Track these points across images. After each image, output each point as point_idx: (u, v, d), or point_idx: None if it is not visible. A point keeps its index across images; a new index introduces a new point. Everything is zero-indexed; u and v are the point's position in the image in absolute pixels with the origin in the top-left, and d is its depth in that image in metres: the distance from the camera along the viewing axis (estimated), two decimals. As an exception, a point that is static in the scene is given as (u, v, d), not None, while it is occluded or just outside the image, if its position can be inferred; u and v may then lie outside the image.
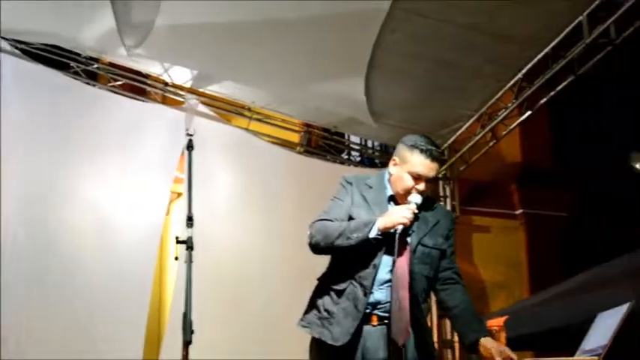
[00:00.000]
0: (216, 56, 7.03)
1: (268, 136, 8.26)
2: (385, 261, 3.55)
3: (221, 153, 7.71)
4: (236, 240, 7.46)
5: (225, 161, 7.74)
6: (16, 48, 6.86)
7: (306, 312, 3.71)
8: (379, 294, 3.54)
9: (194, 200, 3.86)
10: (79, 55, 7.24)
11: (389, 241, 3.53)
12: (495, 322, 3.92)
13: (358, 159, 9.70)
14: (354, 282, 3.55)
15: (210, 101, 7.83)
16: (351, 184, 3.79)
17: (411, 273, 3.53)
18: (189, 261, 3.56)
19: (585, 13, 6.30)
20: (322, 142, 8.71)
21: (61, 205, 6.79)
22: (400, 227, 3.47)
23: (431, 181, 3.71)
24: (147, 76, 7.65)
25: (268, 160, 8.00)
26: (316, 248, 3.71)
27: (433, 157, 3.61)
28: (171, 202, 7.86)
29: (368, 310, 3.52)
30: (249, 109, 8.00)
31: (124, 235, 7.02)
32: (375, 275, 3.53)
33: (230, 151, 7.82)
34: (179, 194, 8.05)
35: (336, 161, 8.75)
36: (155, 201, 7.21)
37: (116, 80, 7.53)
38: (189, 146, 4.05)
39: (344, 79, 7.22)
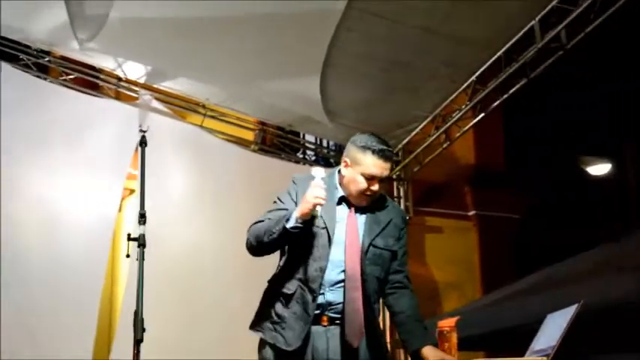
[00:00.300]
0: (171, 52, 6.98)
1: (223, 133, 8.22)
2: (336, 262, 3.50)
3: (175, 150, 7.66)
4: (189, 237, 7.42)
5: (178, 158, 7.70)
6: (-38, 39, 6.73)
7: (258, 316, 3.67)
8: (331, 295, 3.50)
9: (147, 197, 3.82)
10: (29, 47, 7.12)
11: (327, 234, 3.51)
12: (447, 323, 3.90)
13: (313, 158, 9.70)
14: (302, 285, 3.51)
15: (165, 97, 7.77)
16: (295, 183, 3.72)
17: (363, 274, 3.51)
18: (141, 258, 3.51)
19: (537, 19, 6.37)
20: (277, 141, 8.70)
21: (6, 200, 6.67)
22: (319, 209, 3.39)
23: (384, 181, 3.68)
24: (100, 70, 7.55)
25: (222, 158, 7.97)
26: (251, 249, 3.67)
27: (386, 157, 3.54)
28: (123, 198, 7.77)
29: (318, 312, 3.49)
30: (203, 106, 7.96)
31: (74, 232, 6.93)
32: (323, 277, 3.48)
33: (184, 148, 7.77)
34: (132, 191, 7.97)
35: (291, 160, 8.75)
36: (107, 197, 7.13)
37: (68, 74, 7.42)
38: (142, 142, 4.00)
39: (299, 77, 7.21)
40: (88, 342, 6.70)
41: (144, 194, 3.83)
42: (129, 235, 3.54)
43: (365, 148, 3.54)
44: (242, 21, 6.40)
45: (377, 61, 7.03)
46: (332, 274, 3.50)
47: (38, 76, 7.23)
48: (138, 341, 3.36)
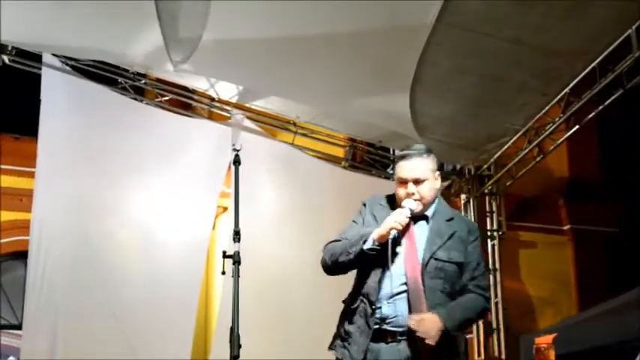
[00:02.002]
0: (261, 71, 7.07)
1: (313, 150, 8.28)
2: (395, 275, 3.50)
3: (266, 168, 7.74)
4: (282, 254, 7.48)
5: (270, 176, 7.78)
6: (67, 64, 6.99)
7: (333, 336, 3.75)
8: (387, 308, 3.50)
9: (240, 215, 3.87)
10: (126, 70, 7.35)
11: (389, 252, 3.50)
12: (544, 340, 3.83)
13: (403, 174, 9.66)
14: (363, 299, 3.56)
15: (256, 116, 7.88)
16: (365, 205, 3.80)
17: (424, 287, 3.49)
18: (236, 275, 3.56)
19: (634, 27, 6.21)
20: (367, 157, 8.71)
21: (105, 218, 6.90)
22: (394, 232, 3.43)
23: (421, 182, 3.64)
24: (193, 91, 7.73)
25: (313, 175, 8.02)
26: (325, 268, 3.74)
27: (410, 157, 3.63)
28: (217, 216, 7.91)
29: (377, 326, 3.50)
30: (294, 124, 8.03)
31: (170, 250, 7.09)
32: (379, 289, 3.50)
33: (275, 165, 7.85)
34: (225, 209, 8.10)
35: (381, 176, 8.73)
36: (202, 215, 7.27)
37: (163, 96, 7.63)
38: (236, 161, 4.06)
39: (389, 93, 7.21)
40: (185, 357, 6.83)
41: (238, 212, 3.89)
42: (224, 252, 3.59)
43: (396, 158, 3.77)
44: (331, 39, 6.45)
45: (467, 75, 6.97)
46: (387, 286, 3.50)
47: (135, 99, 7.45)
48: (235, 357, 3.41)
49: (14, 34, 6.57)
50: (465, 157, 8.56)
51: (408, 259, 3.54)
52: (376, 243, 3.46)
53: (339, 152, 8.71)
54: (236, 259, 3.58)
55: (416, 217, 3.63)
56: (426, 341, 3.38)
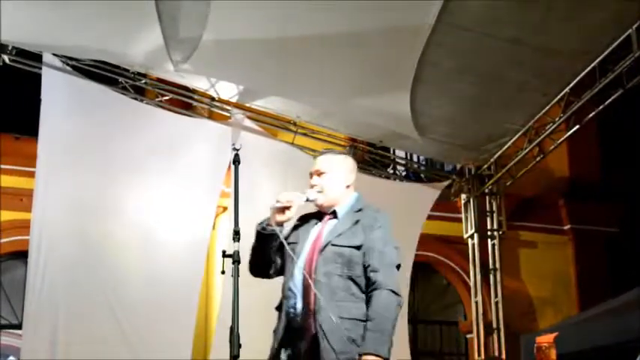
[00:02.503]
0: (262, 71, 7.07)
1: (313, 150, 8.27)
2: (299, 269, 3.63)
3: (267, 167, 7.74)
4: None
5: (270, 175, 7.77)
6: (67, 64, 7.00)
7: None
8: (299, 302, 3.62)
9: (240, 214, 3.88)
10: (127, 70, 7.36)
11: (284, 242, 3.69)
12: (545, 339, 3.83)
13: (404, 173, 9.68)
14: (282, 295, 3.71)
15: (256, 116, 7.88)
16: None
17: (315, 272, 3.55)
18: (236, 275, 3.56)
19: (634, 27, 6.21)
20: (368, 157, 8.71)
21: (106, 218, 6.90)
22: (289, 225, 3.65)
23: (322, 175, 3.79)
24: (194, 91, 7.73)
25: (314, 175, 8.01)
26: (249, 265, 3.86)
27: (320, 154, 3.95)
28: (217, 216, 7.91)
29: (292, 316, 3.63)
30: (294, 124, 8.03)
31: (170, 250, 7.09)
32: (289, 284, 3.64)
33: (275, 165, 7.85)
34: (225, 208, 8.11)
35: (382, 176, 8.73)
36: (202, 215, 7.27)
37: (163, 95, 7.64)
38: (236, 160, 4.06)
39: (389, 93, 7.21)
40: (185, 357, 6.83)
41: (237, 211, 3.89)
42: (223, 251, 3.58)
43: None
44: (332, 39, 6.45)
45: (467, 75, 6.98)
46: (294, 281, 3.63)
47: (135, 98, 7.45)
48: (234, 357, 3.40)
49: (14, 34, 6.57)
50: (465, 157, 8.57)
51: (309, 251, 3.65)
52: (265, 224, 3.69)
53: (340, 152, 8.70)
54: (236, 258, 3.58)
55: (327, 217, 3.78)
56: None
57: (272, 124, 8.06)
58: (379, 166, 8.73)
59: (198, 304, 7.30)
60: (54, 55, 6.93)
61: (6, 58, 7.02)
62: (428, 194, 8.56)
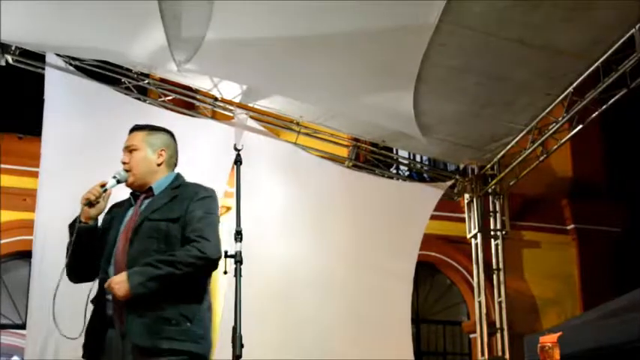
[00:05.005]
0: (265, 71, 7.07)
1: (317, 150, 8.28)
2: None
3: (270, 167, 7.74)
4: (285, 253, 7.49)
5: (273, 175, 7.78)
6: (70, 64, 7.01)
7: None
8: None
9: (243, 214, 3.88)
10: (130, 70, 7.36)
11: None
12: (549, 339, 3.83)
13: (407, 173, 9.68)
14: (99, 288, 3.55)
15: (259, 116, 7.88)
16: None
17: (129, 251, 3.43)
18: (239, 275, 3.56)
19: (638, 26, 6.20)
20: (370, 157, 8.70)
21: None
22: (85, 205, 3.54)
23: (134, 151, 3.71)
24: (197, 91, 7.73)
25: (317, 174, 8.02)
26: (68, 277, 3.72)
27: (131, 131, 3.78)
28: (220, 216, 7.90)
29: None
30: (297, 124, 8.03)
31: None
32: (106, 272, 3.49)
33: (279, 165, 7.85)
34: (228, 208, 8.10)
35: (385, 175, 8.73)
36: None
37: (166, 95, 7.64)
38: (238, 160, 4.08)
39: (392, 93, 7.20)
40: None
41: (240, 211, 3.90)
42: (226, 252, 3.58)
43: None
44: (334, 38, 6.45)
45: (470, 75, 6.97)
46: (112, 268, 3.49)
47: (138, 98, 7.45)
48: (237, 357, 3.41)
49: (17, 34, 6.57)
50: (468, 157, 8.56)
51: (123, 231, 3.53)
52: (80, 220, 3.53)
53: (343, 152, 8.71)
54: (238, 258, 3.58)
55: (143, 195, 3.67)
56: (113, 298, 3.35)
57: (275, 124, 8.06)
58: (382, 166, 8.72)
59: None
60: (57, 55, 6.94)
61: (9, 58, 7.03)
62: (431, 194, 8.55)
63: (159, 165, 3.71)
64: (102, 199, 3.58)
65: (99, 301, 3.49)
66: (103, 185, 3.60)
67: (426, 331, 11.41)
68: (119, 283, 3.28)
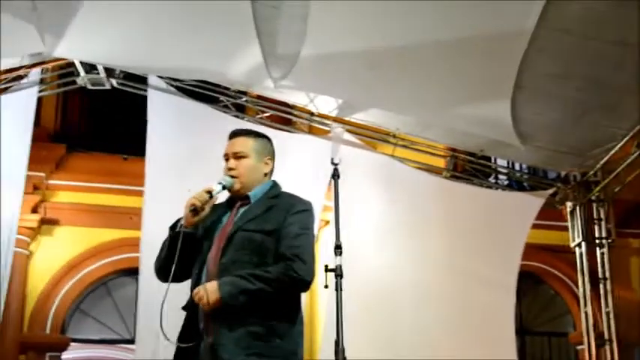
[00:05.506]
0: (360, 84, 7.09)
1: (414, 161, 8.24)
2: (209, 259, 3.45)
3: (367, 180, 7.76)
4: (385, 266, 7.48)
5: (370, 188, 7.79)
6: (171, 85, 7.21)
7: None
8: None
9: (342, 228, 3.90)
10: (227, 89, 7.51)
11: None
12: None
13: (506, 182, 9.53)
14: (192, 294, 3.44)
15: (356, 129, 7.90)
16: None
17: (221, 258, 3.37)
18: (339, 289, 3.57)
19: None
20: (468, 167, 8.61)
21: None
22: (190, 211, 3.42)
23: (242, 158, 3.62)
24: (293, 106, 7.82)
25: (414, 186, 7.99)
26: (155, 270, 3.68)
27: (231, 136, 3.68)
28: (319, 230, 7.96)
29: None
30: (394, 136, 8.01)
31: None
32: (198, 281, 3.41)
33: (375, 177, 7.86)
34: (327, 222, 8.15)
35: (483, 185, 8.62)
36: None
37: (264, 112, 7.76)
38: (335, 175, 4.10)
39: (489, 101, 7.10)
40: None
41: (339, 225, 3.91)
42: (326, 266, 3.59)
43: None
44: (429, 49, 6.41)
45: (570, 80, 6.80)
46: (203, 275, 3.42)
47: (236, 116, 7.60)
48: (340, 370, 3.42)
49: (120, 58, 6.81)
50: (569, 164, 8.35)
51: (217, 239, 3.46)
52: (183, 226, 3.42)
53: (440, 162, 8.65)
54: (338, 272, 3.59)
55: (238, 203, 3.58)
56: (201, 306, 3.27)
57: (371, 137, 8.07)
58: (481, 176, 8.61)
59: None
60: (158, 77, 7.15)
61: (114, 81, 7.29)
62: (532, 203, 8.39)
63: (265, 175, 3.68)
64: (207, 206, 3.49)
65: (191, 310, 3.42)
66: (209, 192, 3.51)
67: (530, 342, 11.21)
68: (210, 291, 3.25)
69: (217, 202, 3.61)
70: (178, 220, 3.52)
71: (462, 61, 6.60)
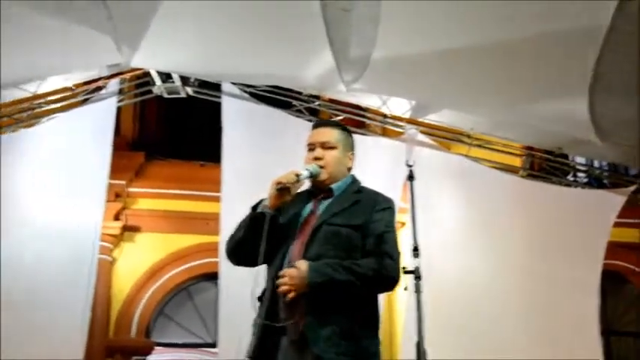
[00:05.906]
0: (433, 85, 7.04)
1: (489, 161, 8.15)
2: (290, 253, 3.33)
3: (442, 180, 7.72)
4: (463, 267, 7.42)
5: (446, 189, 7.74)
6: (245, 91, 7.31)
7: None
8: None
9: (419, 229, 3.89)
10: (300, 93, 7.57)
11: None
12: None
13: (585, 180, 9.34)
14: (268, 284, 3.35)
15: (429, 130, 7.86)
16: None
17: (306, 253, 3.25)
18: (419, 291, 3.58)
19: None
20: (546, 165, 8.47)
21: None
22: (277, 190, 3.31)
23: (331, 148, 3.54)
24: (366, 109, 7.83)
25: (490, 186, 7.90)
26: (227, 252, 3.55)
27: (317, 125, 3.63)
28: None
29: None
30: (468, 136, 7.95)
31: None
32: (279, 270, 3.27)
33: (451, 178, 7.81)
34: (403, 224, 8.12)
35: (562, 184, 8.46)
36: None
37: (337, 115, 7.78)
38: (411, 177, 4.10)
39: (566, 98, 6.97)
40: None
41: (416, 227, 3.91)
42: (404, 268, 3.60)
43: None
44: (503, 47, 6.33)
45: (649, 74, 6.63)
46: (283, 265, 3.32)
47: (310, 120, 7.64)
48: (421, 372, 3.42)
49: (194, 66, 6.92)
50: (651, 160, 8.15)
51: (301, 232, 3.35)
52: (268, 207, 3.33)
53: (516, 162, 8.53)
54: (417, 274, 3.60)
55: (321, 195, 3.49)
56: (282, 288, 3.15)
57: (446, 137, 8.02)
58: (559, 174, 8.46)
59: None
60: (232, 83, 7.25)
61: (189, 90, 7.43)
62: (613, 200, 8.21)
63: (349, 169, 3.64)
64: (293, 189, 3.38)
65: (271, 302, 3.27)
66: (297, 174, 3.40)
67: (616, 343, 10.95)
68: (297, 277, 3.16)
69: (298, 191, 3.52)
70: (260, 202, 3.46)
71: (537, 59, 6.49)
